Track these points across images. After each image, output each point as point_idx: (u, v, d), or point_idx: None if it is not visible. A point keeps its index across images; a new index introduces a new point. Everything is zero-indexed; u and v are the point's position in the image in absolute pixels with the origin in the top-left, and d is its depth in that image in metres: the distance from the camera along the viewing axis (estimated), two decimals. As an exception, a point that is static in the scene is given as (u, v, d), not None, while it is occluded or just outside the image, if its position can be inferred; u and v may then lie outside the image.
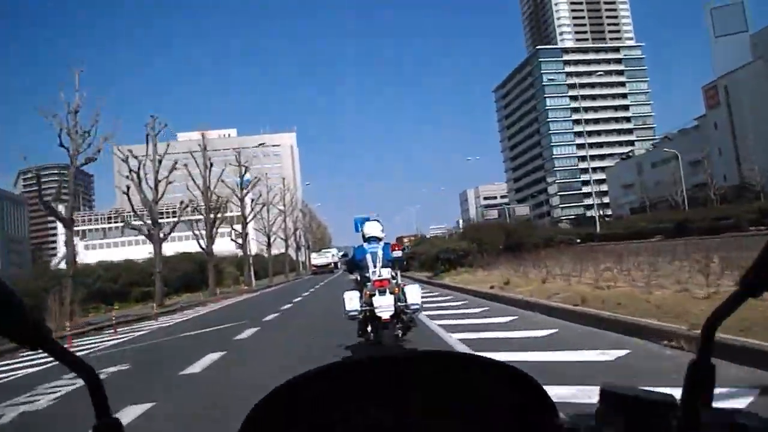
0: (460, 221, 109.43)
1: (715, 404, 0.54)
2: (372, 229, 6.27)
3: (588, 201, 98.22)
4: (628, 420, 0.55)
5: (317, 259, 53.44)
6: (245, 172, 37.67)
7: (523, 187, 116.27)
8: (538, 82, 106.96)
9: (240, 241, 36.53)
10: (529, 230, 27.67)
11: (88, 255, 68.64)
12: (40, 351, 0.49)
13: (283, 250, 54.20)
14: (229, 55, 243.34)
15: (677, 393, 0.55)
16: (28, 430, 4.80)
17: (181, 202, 27.35)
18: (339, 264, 70.84)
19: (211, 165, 30.27)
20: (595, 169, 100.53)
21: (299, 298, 18.84)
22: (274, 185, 49.29)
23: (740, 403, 3.17)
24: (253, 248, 65.87)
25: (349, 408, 0.67)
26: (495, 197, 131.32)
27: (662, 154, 67.70)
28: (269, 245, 46.04)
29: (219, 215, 29.13)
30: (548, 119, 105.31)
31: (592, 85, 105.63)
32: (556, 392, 3.44)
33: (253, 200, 40.60)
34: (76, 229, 19.86)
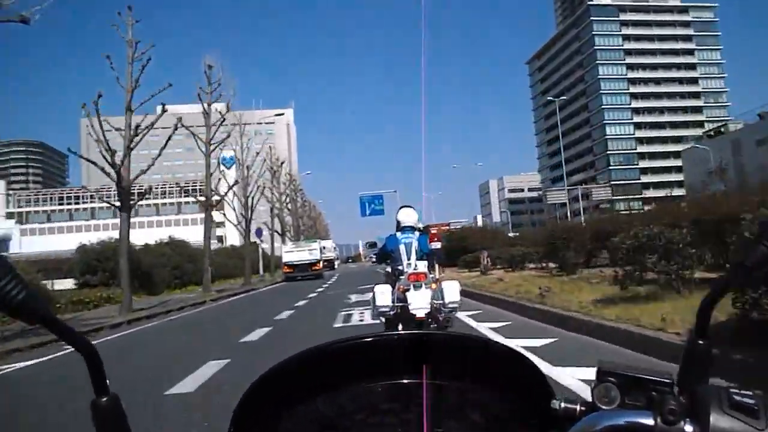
0: (479, 217, 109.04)
1: (712, 382, 0.63)
2: (407, 216, 6.66)
3: (651, 192, 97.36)
4: (624, 398, 0.65)
5: (293, 253, 38.69)
6: (224, 147, 33.42)
7: (561, 176, 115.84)
8: (587, 47, 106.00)
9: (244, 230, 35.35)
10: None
11: (31, 243, 68.65)
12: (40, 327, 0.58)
13: (278, 244, 47.94)
14: (218, 18, 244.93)
15: (675, 371, 0.65)
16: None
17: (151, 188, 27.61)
18: (337, 263, 68.25)
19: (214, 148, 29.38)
20: (655, 155, 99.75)
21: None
22: (260, 161, 43.20)
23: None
24: (235, 238, 61.30)
25: (342, 386, 0.85)
26: (522, 189, 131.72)
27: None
28: (248, 229, 37.48)
29: (189, 199, 29.01)
30: (600, 91, 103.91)
31: (654, 53, 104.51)
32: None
33: (237, 182, 37.31)
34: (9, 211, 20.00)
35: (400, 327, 6.22)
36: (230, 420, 0.80)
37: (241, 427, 0.80)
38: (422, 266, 6.25)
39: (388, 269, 6.71)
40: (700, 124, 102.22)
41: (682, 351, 0.64)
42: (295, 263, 37.77)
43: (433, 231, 31.85)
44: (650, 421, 0.60)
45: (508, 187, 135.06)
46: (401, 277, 6.23)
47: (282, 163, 51.39)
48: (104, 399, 0.60)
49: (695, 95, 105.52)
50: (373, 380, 0.86)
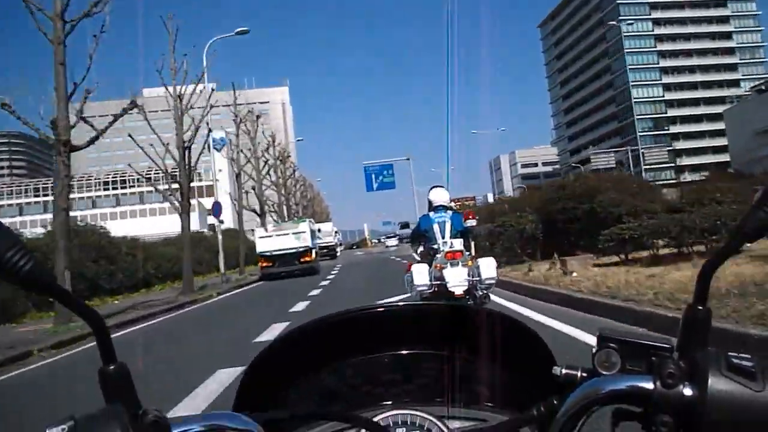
0: (490, 195, 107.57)
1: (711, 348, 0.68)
2: (439, 196, 7.25)
3: (685, 161, 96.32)
4: (625, 363, 0.70)
5: (272, 239, 29.30)
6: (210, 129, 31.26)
7: (582, 146, 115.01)
8: (607, 2, 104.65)
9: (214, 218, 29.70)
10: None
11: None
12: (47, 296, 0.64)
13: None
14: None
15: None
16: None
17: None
18: (340, 249, 62.33)
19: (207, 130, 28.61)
20: (687, 118, 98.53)
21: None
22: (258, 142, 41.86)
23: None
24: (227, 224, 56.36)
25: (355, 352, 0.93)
26: (535, 164, 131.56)
27: None
28: (240, 214, 34.28)
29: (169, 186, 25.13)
30: (624, 50, 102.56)
31: (682, 5, 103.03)
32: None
33: (232, 161, 36.80)
34: None
35: (437, 305, 6.83)
36: (236, 391, 0.90)
37: (247, 398, 0.90)
38: (458, 244, 6.83)
39: (415, 255, 7.27)
40: (735, 82, 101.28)
41: (682, 316, 0.70)
42: (275, 253, 28.51)
43: (468, 210, 29.57)
44: (650, 385, 0.66)
45: (520, 162, 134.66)
46: (437, 255, 6.81)
47: (273, 137, 49.78)
48: (112, 367, 0.65)
49: (729, 51, 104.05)
50: (376, 352, 0.95)
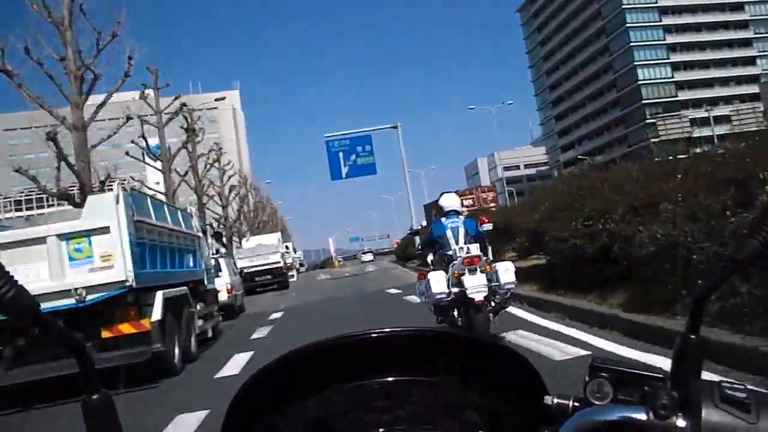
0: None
1: (704, 377, 0.75)
2: (450, 201, 7.95)
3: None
4: (617, 393, 0.77)
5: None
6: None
7: (577, 141, 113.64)
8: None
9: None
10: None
11: None
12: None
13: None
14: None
15: (667, 366, 0.79)
16: None
17: None
18: (297, 271, 55.40)
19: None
20: (701, 102, 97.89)
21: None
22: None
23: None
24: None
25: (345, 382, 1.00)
26: (517, 166, 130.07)
27: None
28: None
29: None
30: (626, 25, 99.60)
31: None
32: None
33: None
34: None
35: (455, 313, 7.46)
36: (221, 423, 0.96)
37: (234, 429, 0.97)
38: (475, 249, 7.49)
39: (432, 257, 7.91)
40: (750, 60, 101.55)
41: (674, 346, 0.76)
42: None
43: (483, 215, 27.96)
44: (643, 416, 0.71)
45: (502, 164, 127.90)
46: (454, 262, 7.45)
47: (219, 150, 45.46)
48: (95, 397, 0.69)
49: (742, 25, 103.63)
50: (364, 379, 1.00)
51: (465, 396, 1.00)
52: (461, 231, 7.73)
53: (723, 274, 0.79)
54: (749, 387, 0.69)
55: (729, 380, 0.72)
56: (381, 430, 0.96)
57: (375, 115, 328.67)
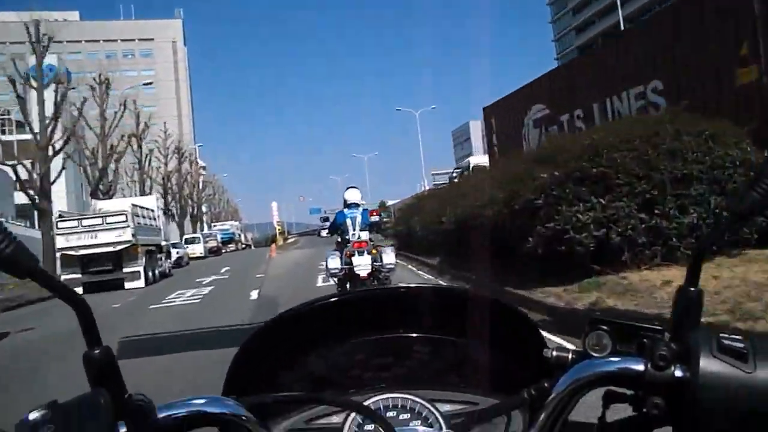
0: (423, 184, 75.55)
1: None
2: (352, 195, 9.97)
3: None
4: (616, 345, 0.77)
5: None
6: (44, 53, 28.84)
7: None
8: None
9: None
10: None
11: None
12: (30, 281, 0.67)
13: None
14: None
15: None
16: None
17: None
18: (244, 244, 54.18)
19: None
20: None
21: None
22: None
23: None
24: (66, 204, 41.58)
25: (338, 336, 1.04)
26: None
27: None
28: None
29: None
30: None
31: None
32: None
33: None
34: None
35: (348, 286, 9.51)
36: (224, 378, 1.00)
37: (236, 384, 0.99)
38: (364, 236, 9.62)
39: (338, 239, 9.97)
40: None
41: (673, 298, 0.77)
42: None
43: (372, 209, 30.22)
44: (641, 367, 0.72)
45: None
46: (348, 244, 9.50)
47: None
48: (96, 351, 0.70)
49: None
50: (366, 336, 1.04)
51: (465, 351, 1.05)
52: (358, 220, 9.76)
53: (723, 226, 0.86)
54: (747, 337, 0.70)
55: (727, 330, 0.75)
56: (379, 386, 1.01)
57: (355, 57, 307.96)
